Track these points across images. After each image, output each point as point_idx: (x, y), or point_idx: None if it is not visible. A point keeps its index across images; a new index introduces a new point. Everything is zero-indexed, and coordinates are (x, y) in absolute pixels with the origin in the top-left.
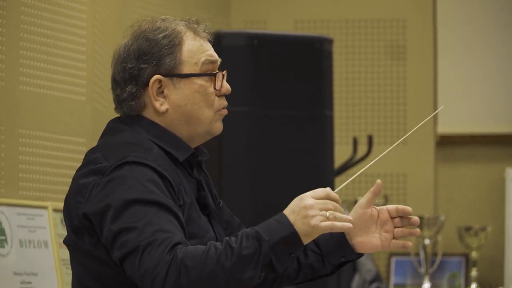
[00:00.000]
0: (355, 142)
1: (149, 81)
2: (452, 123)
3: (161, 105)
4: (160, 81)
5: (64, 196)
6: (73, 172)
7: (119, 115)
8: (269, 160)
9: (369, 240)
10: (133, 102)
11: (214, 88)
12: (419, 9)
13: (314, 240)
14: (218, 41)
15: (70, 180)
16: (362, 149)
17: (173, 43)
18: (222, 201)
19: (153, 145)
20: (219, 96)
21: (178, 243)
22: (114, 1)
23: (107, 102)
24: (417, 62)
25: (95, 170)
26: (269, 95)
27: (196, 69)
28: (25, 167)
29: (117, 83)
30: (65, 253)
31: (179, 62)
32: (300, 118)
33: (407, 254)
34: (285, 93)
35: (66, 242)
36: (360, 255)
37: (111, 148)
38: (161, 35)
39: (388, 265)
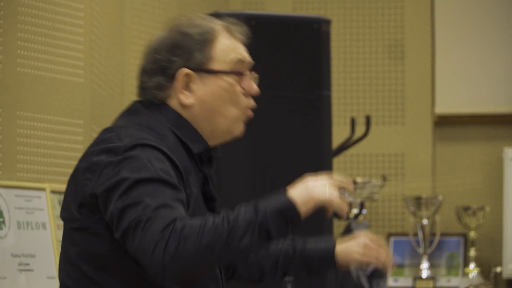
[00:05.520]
0: (353, 123)
1: (177, 74)
2: (450, 103)
3: (186, 98)
4: (188, 75)
5: (62, 178)
6: (71, 154)
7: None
8: (266, 141)
9: None
10: (158, 92)
11: (242, 87)
12: None
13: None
14: None
15: (68, 162)
16: (360, 130)
17: (207, 39)
18: (218, 181)
19: (169, 133)
20: (247, 96)
21: (178, 217)
22: None
23: (105, 84)
24: (415, 42)
25: (107, 149)
26: (267, 76)
27: (226, 67)
28: (23, 149)
29: (145, 72)
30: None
31: (210, 58)
32: (297, 99)
33: (405, 234)
34: (283, 74)
35: (64, 217)
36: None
37: (126, 129)
38: (195, 30)
39: (387, 245)
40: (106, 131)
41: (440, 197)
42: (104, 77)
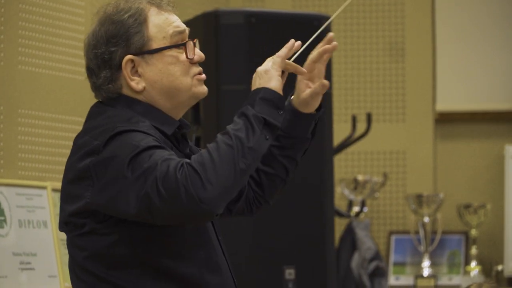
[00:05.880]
0: (354, 120)
1: (121, 63)
2: (451, 100)
3: (137, 84)
4: (132, 60)
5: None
6: None
7: (100, 100)
8: None
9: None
10: (110, 86)
11: (187, 57)
12: None
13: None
14: (216, 19)
15: None
16: (361, 127)
17: (139, 21)
18: None
19: (140, 119)
20: (193, 63)
21: (182, 159)
22: None
23: None
24: (415, 39)
25: (89, 151)
26: None
27: (165, 43)
28: (24, 147)
29: (91, 71)
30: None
31: (148, 38)
32: None
33: (406, 232)
34: None
35: (66, 228)
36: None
37: (98, 128)
38: (126, 16)
39: (388, 243)
40: (78, 137)
41: (441, 195)
42: None
